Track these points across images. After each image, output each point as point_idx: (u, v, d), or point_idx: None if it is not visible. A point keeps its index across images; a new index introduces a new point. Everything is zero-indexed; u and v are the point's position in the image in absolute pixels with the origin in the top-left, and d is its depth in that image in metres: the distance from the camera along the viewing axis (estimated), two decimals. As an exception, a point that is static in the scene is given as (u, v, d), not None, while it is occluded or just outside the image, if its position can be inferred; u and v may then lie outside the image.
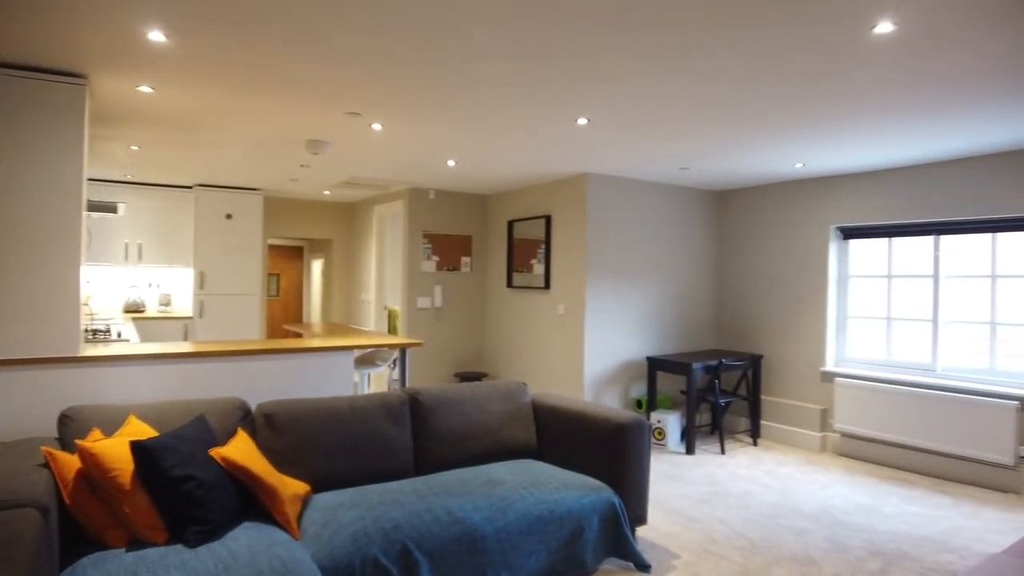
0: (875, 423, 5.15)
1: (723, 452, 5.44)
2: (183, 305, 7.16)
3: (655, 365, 5.77)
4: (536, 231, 6.26)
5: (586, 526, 3.05)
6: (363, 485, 3.16)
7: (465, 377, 6.61)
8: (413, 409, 3.50)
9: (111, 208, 5.00)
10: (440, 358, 6.89)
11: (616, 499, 3.19)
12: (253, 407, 3.69)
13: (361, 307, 8.03)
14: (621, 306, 5.85)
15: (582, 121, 3.90)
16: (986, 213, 4.68)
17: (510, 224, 6.70)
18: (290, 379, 3.75)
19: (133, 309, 6.87)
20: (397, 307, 7.14)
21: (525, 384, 3.90)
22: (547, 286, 6.11)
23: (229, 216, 6.82)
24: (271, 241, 8.81)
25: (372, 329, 7.59)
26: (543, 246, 6.14)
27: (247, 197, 6.91)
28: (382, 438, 3.31)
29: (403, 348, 4.23)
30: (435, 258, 6.84)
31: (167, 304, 7.07)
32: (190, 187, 6.88)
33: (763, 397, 6.05)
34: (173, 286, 7.18)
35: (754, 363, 5.89)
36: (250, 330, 6.94)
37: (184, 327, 6.69)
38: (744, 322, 6.33)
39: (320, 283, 8.83)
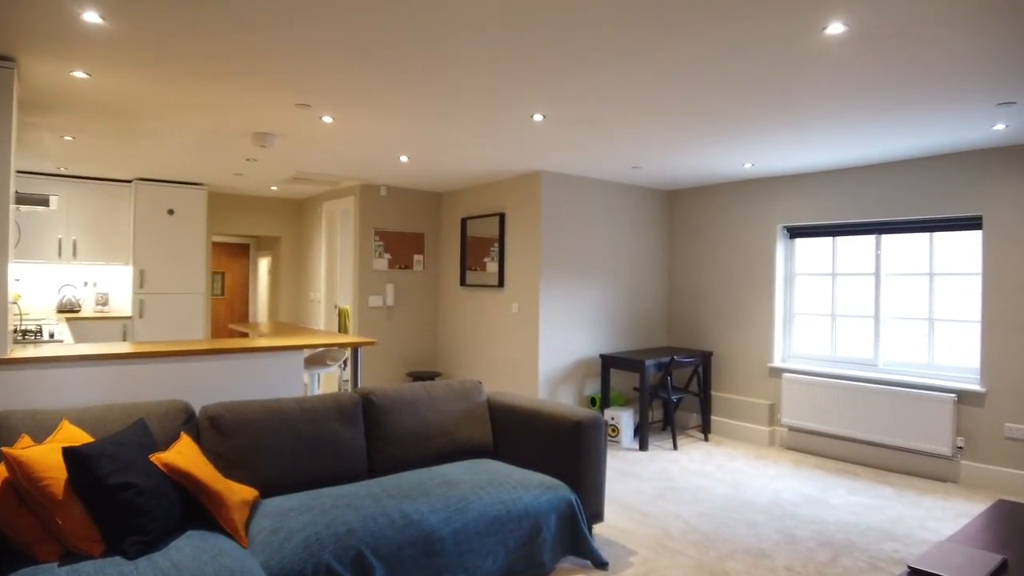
0: (821, 417, 5.29)
1: (675, 448, 5.51)
2: (122, 305, 6.84)
3: (609, 363, 5.80)
4: (490, 229, 6.21)
5: (544, 525, 3.02)
6: (315, 489, 3.06)
7: (418, 376, 6.52)
8: (366, 410, 3.41)
9: (42, 201, 4.71)
10: (392, 358, 6.77)
11: (573, 497, 3.18)
12: (197, 410, 3.53)
13: (310, 306, 7.84)
14: (575, 304, 5.87)
15: (537, 117, 3.87)
16: (924, 213, 4.86)
17: (463, 222, 6.63)
18: (236, 380, 3.61)
19: (68, 309, 6.53)
20: (348, 306, 6.99)
21: (480, 383, 3.85)
22: (501, 284, 6.07)
23: (171, 212, 6.55)
24: (215, 238, 8.51)
25: (322, 329, 7.41)
26: (497, 244, 6.10)
27: (190, 192, 6.65)
28: (334, 440, 3.21)
29: (355, 347, 4.12)
30: (387, 256, 6.72)
31: (104, 304, 6.75)
32: (129, 181, 6.58)
33: (713, 393, 6.16)
34: (111, 285, 6.86)
35: (704, 360, 5.99)
36: (194, 330, 6.69)
37: (123, 327, 6.40)
38: (694, 320, 6.43)
39: (267, 282, 8.58)
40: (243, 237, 8.62)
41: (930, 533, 3.68)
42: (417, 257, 6.95)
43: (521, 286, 5.84)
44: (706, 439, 5.87)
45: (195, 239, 6.67)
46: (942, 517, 3.95)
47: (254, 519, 2.64)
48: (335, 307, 7.24)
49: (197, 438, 2.97)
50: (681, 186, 6.45)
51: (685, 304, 6.55)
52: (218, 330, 8.72)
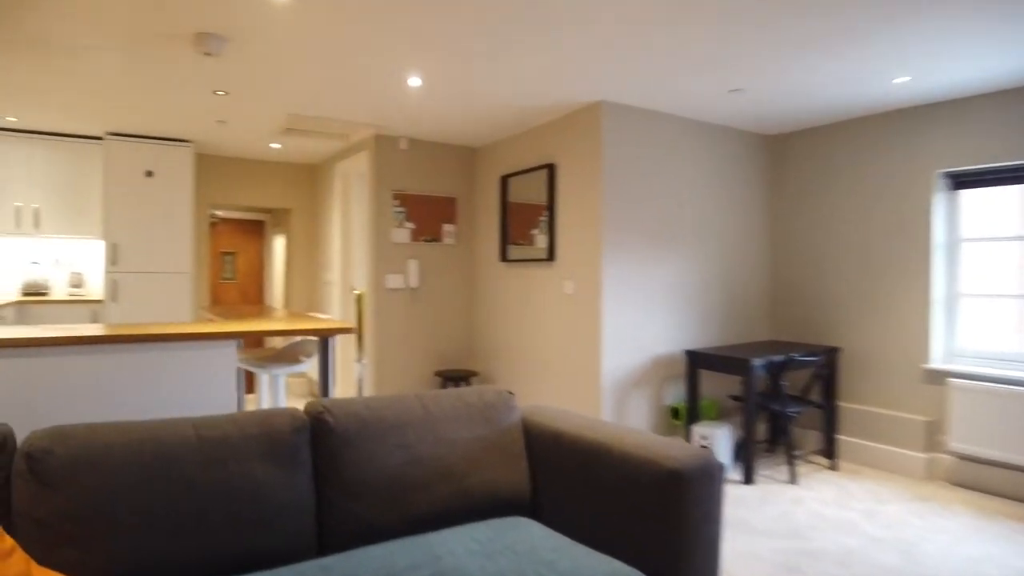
0: (1008, 442, 3.66)
1: (794, 481, 3.97)
2: (99, 286, 5.75)
3: (697, 361, 4.30)
4: (536, 189, 4.79)
5: (617, 670, 1.60)
6: (208, 585, 1.74)
7: (449, 377, 5.17)
8: (316, 439, 2.06)
9: None
10: (417, 353, 5.45)
11: (670, 609, 1.74)
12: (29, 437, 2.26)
13: (325, 290, 6.60)
14: (649, 283, 4.39)
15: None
16: None
17: (504, 181, 5.23)
18: (124, 388, 2.32)
19: (34, 291, 5.47)
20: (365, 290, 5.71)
21: (510, 394, 2.45)
22: (551, 257, 4.65)
23: (149, 174, 5.39)
24: (222, 213, 7.42)
25: (330, 318, 6.17)
26: (546, 212, 4.67)
27: (173, 151, 5.48)
28: (254, 492, 1.88)
29: (324, 336, 2.78)
30: (409, 225, 5.39)
31: (79, 285, 5.67)
32: (100, 138, 5.46)
33: (842, 404, 4.57)
34: (88, 263, 5.78)
35: (830, 359, 4.41)
36: (178, 317, 5.53)
37: (92, 313, 5.29)
38: (812, 305, 4.84)
39: (283, 263, 7.43)
40: (256, 212, 7.50)
41: None
42: (447, 227, 5.60)
43: (577, 259, 4.41)
44: (834, 468, 4.29)
45: (180, 208, 5.50)
46: None
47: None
48: (352, 291, 5.97)
49: (3, 489, 1.69)
50: (794, 126, 4.86)
51: (799, 285, 4.96)
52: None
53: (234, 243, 7.64)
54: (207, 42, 3.10)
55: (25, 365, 2.16)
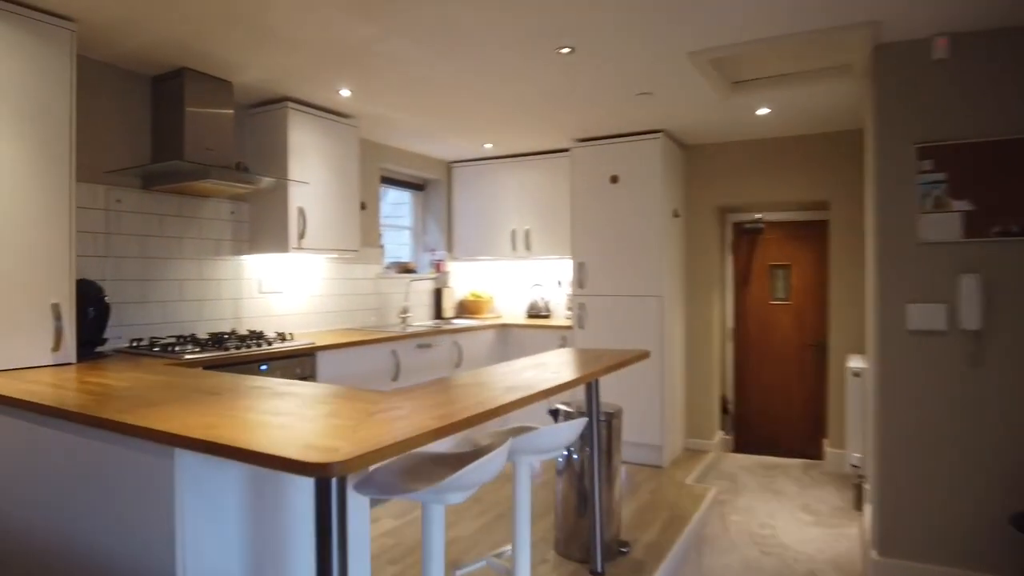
0: None
1: None
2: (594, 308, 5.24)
3: None
4: None
5: None
6: None
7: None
8: None
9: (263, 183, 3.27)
10: (970, 468, 2.73)
11: None
12: None
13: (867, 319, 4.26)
14: None
15: None
16: None
17: None
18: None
19: (536, 313, 5.39)
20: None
21: None
22: None
23: (614, 179, 4.50)
24: (771, 216, 5.76)
25: (861, 367, 3.86)
26: None
27: (640, 148, 4.42)
28: None
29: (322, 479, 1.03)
30: (959, 206, 2.76)
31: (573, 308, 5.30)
32: (567, 150, 4.92)
33: None
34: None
35: None
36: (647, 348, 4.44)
37: (561, 339, 4.77)
38: None
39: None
40: (808, 210, 5.56)
41: None
42: (1063, 203, 2.63)
43: None
44: None
45: (649, 215, 4.39)
46: None
47: None
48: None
49: None
50: None
51: None
52: (750, 356, 5.78)
53: (786, 253, 5.92)
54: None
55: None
